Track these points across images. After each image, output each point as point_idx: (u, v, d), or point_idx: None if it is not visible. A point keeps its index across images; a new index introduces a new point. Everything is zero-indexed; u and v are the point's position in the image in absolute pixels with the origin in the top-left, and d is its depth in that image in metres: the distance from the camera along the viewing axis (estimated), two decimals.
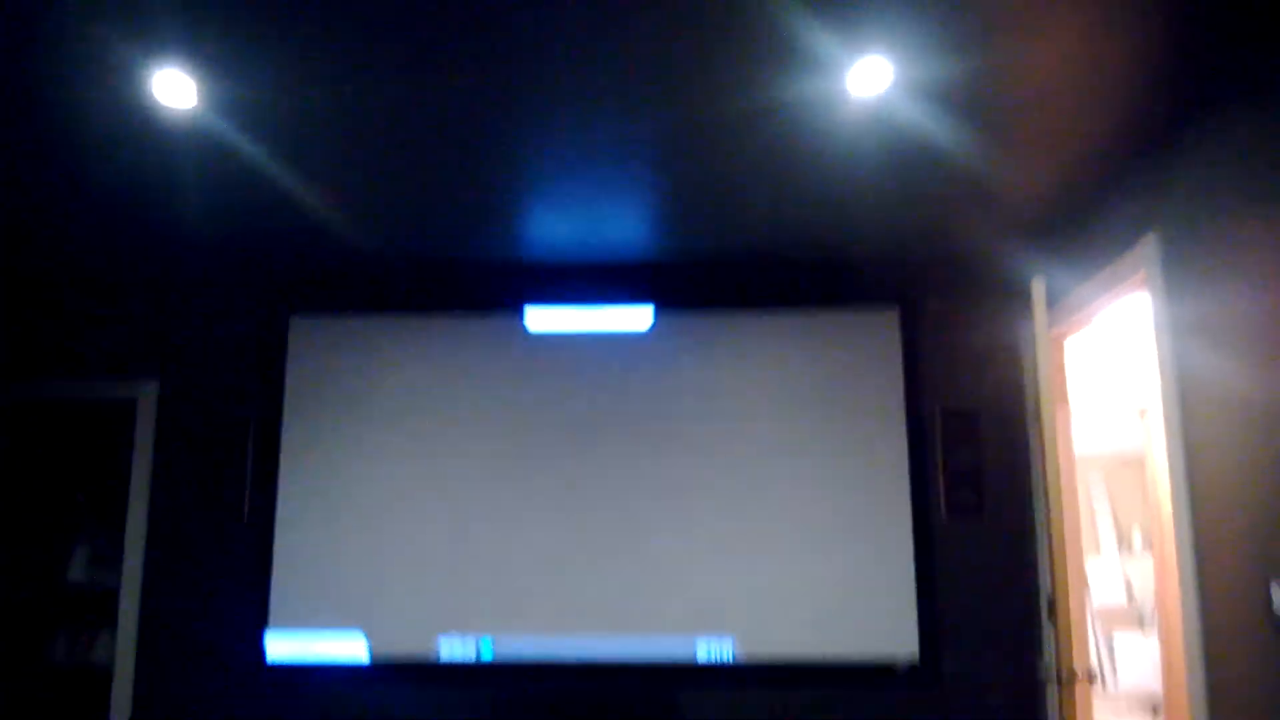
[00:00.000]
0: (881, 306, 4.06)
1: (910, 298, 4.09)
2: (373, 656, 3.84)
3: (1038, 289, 3.08)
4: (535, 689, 3.84)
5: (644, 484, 3.94)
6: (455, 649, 3.84)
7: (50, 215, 3.51)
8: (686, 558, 3.88)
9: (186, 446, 4.10)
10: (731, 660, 3.81)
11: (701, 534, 3.90)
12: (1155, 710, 5.16)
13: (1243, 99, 2.40)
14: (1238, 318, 2.41)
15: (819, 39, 2.36)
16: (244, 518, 4.01)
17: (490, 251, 3.93)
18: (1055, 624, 3.04)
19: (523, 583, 3.88)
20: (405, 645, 3.84)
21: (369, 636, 3.85)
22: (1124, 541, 5.72)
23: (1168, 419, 2.75)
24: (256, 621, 3.91)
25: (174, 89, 2.58)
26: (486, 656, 3.83)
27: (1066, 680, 2.93)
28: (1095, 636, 5.43)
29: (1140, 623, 5.52)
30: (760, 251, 3.96)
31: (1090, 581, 5.50)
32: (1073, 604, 3.27)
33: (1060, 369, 3.71)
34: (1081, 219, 3.39)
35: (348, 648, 3.84)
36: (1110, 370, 4.65)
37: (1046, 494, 3.03)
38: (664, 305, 4.08)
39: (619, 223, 3.63)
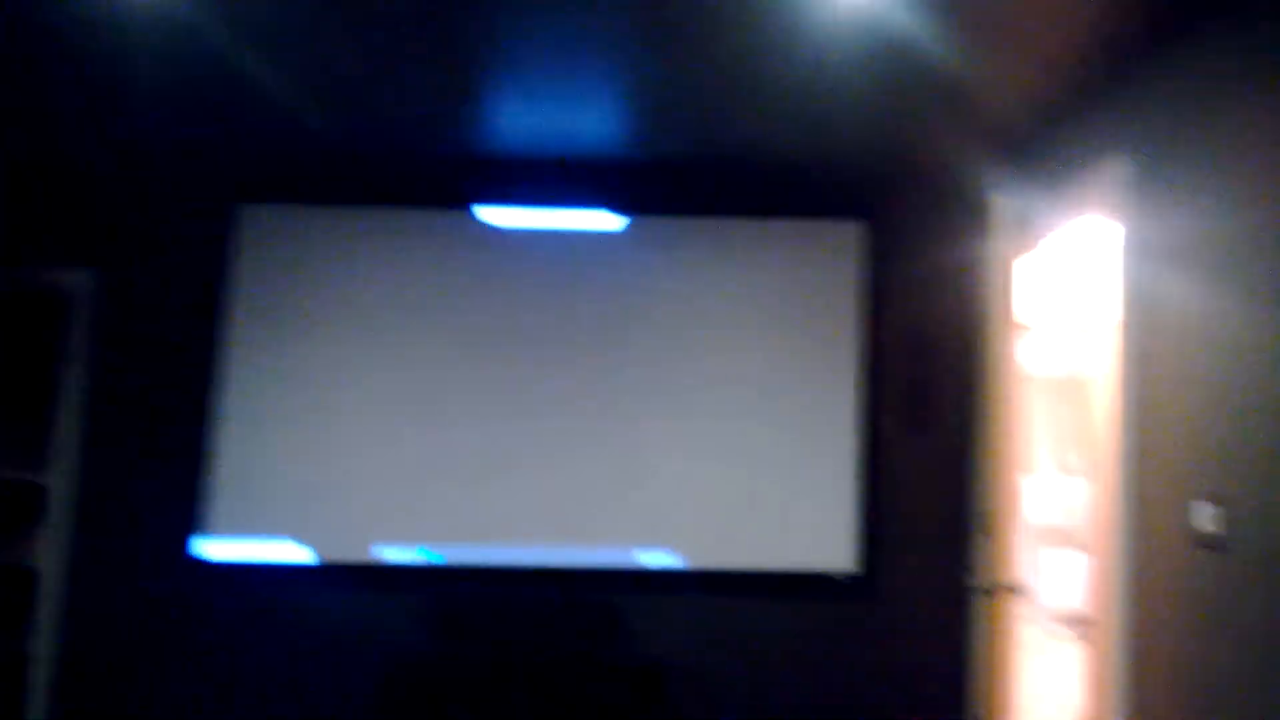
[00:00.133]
0: (845, 219, 4.02)
1: (874, 212, 4.06)
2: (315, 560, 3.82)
3: (997, 205, 3.05)
4: (479, 592, 3.86)
5: (591, 391, 3.92)
6: (396, 557, 3.82)
7: None
8: (632, 467, 3.89)
9: (125, 340, 3.97)
10: (672, 567, 3.85)
11: (648, 444, 3.90)
12: (1079, 624, 5.35)
13: (1219, 20, 2.36)
14: (1203, 243, 2.40)
15: None
16: (184, 416, 3.92)
17: (450, 144, 3.79)
18: (989, 538, 3.10)
19: (466, 491, 3.86)
20: (345, 554, 3.82)
21: (308, 544, 3.81)
22: (1060, 461, 5.85)
23: (1126, 342, 2.75)
24: (193, 524, 3.86)
25: None
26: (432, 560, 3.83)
27: (995, 592, 3.00)
28: (1027, 552, 5.59)
29: (1070, 541, 5.69)
30: (726, 157, 3.87)
31: (1025, 499, 5.63)
32: (1007, 520, 3.34)
33: (1008, 288, 3.70)
34: (1050, 138, 3.35)
35: (286, 552, 3.81)
36: (1054, 291, 4.67)
37: (990, 412, 3.06)
38: (623, 208, 3.99)
39: (585, 119, 3.51)
